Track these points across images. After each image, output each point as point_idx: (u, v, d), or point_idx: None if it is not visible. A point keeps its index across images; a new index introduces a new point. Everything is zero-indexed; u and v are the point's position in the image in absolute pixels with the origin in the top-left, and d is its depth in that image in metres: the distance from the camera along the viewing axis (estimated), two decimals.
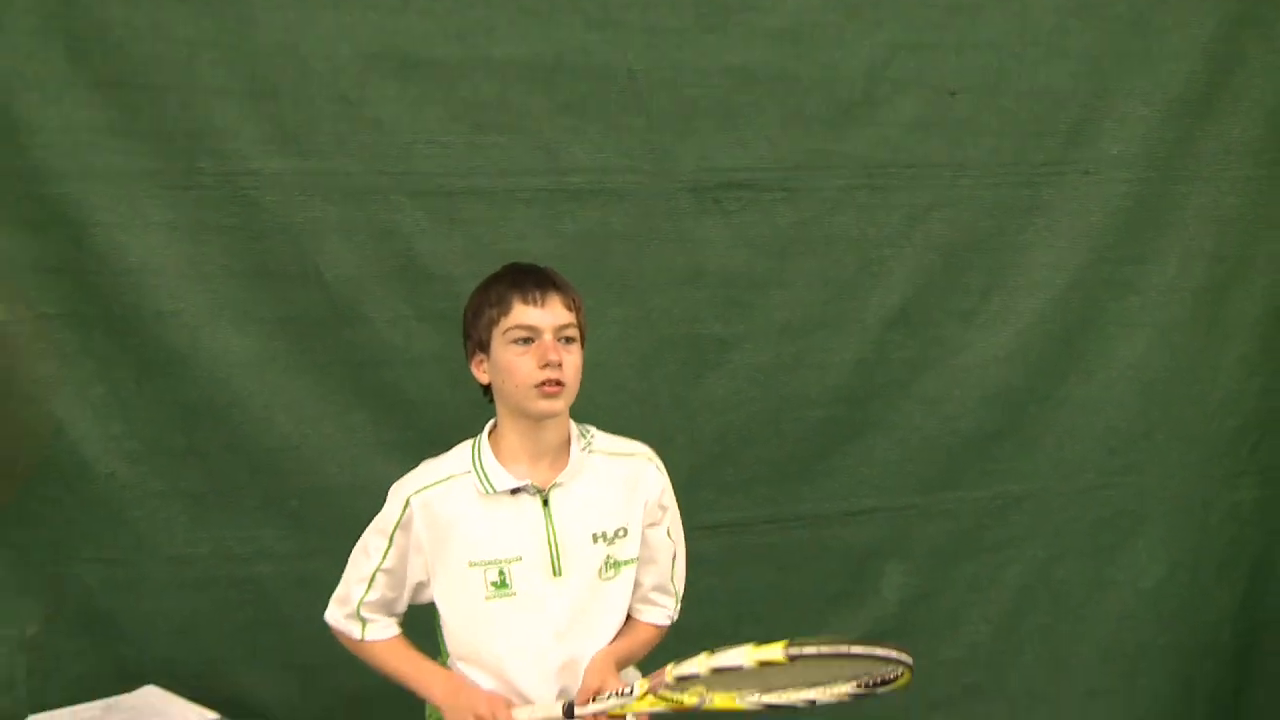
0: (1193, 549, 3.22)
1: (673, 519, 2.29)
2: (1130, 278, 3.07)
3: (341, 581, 2.24)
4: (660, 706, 2.03)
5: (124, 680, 2.63)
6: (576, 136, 2.67)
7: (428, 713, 2.29)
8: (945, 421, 3.03)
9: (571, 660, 2.17)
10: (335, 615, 2.24)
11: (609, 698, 2.06)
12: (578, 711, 2.05)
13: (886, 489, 3.04)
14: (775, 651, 1.90)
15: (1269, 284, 3.17)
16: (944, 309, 3.00)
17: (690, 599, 2.60)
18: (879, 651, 1.90)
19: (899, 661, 1.90)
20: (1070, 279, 3.03)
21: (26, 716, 2.48)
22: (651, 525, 2.25)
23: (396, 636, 2.24)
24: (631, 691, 2.04)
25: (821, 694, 1.95)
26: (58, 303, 2.58)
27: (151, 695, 2.58)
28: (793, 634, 2.87)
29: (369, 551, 2.19)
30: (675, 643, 2.82)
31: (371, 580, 2.19)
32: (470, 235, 2.65)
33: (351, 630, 2.22)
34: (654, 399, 2.81)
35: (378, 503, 2.60)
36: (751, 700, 1.99)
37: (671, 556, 2.28)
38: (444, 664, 2.24)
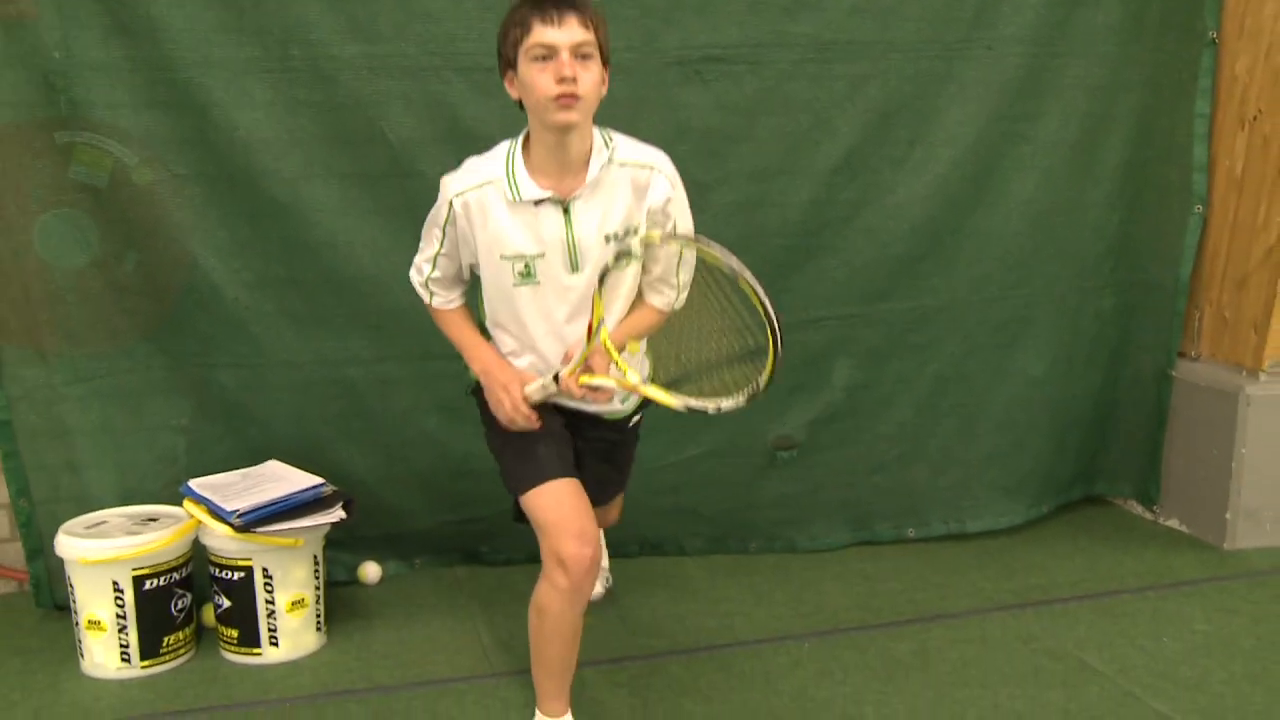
0: (1067, 344, 3.58)
1: (680, 224, 2.34)
2: (1023, 131, 3.38)
3: (418, 252, 2.41)
4: (603, 381, 2.20)
5: (253, 456, 3.07)
6: None
7: (470, 376, 2.47)
8: (881, 248, 3.31)
9: (582, 330, 2.26)
10: (414, 279, 2.45)
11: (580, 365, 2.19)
12: (560, 374, 2.23)
13: (834, 302, 3.33)
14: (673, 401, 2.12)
15: (1125, 137, 3.50)
16: (879, 158, 3.26)
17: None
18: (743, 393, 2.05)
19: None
20: (977, 133, 3.33)
21: (187, 481, 2.94)
22: (657, 227, 2.31)
23: (457, 309, 2.44)
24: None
25: (725, 404, 2.09)
26: (189, 165, 2.94)
27: (274, 466, 3.03)
28: (760, 420, 3.40)
29: (430, 240, 2.38)
30: (667, 426, 3.19)
31: (435, 261, 2.38)
32: (503, 102, 2.59)
33: (423, 295, 2.45)
34: None
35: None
36: (675, 401, 2.16)
37: (677, 256, 2.33)
38: (482, 322, 2.43)
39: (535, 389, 2.32)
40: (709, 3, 3.13)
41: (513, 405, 2.31)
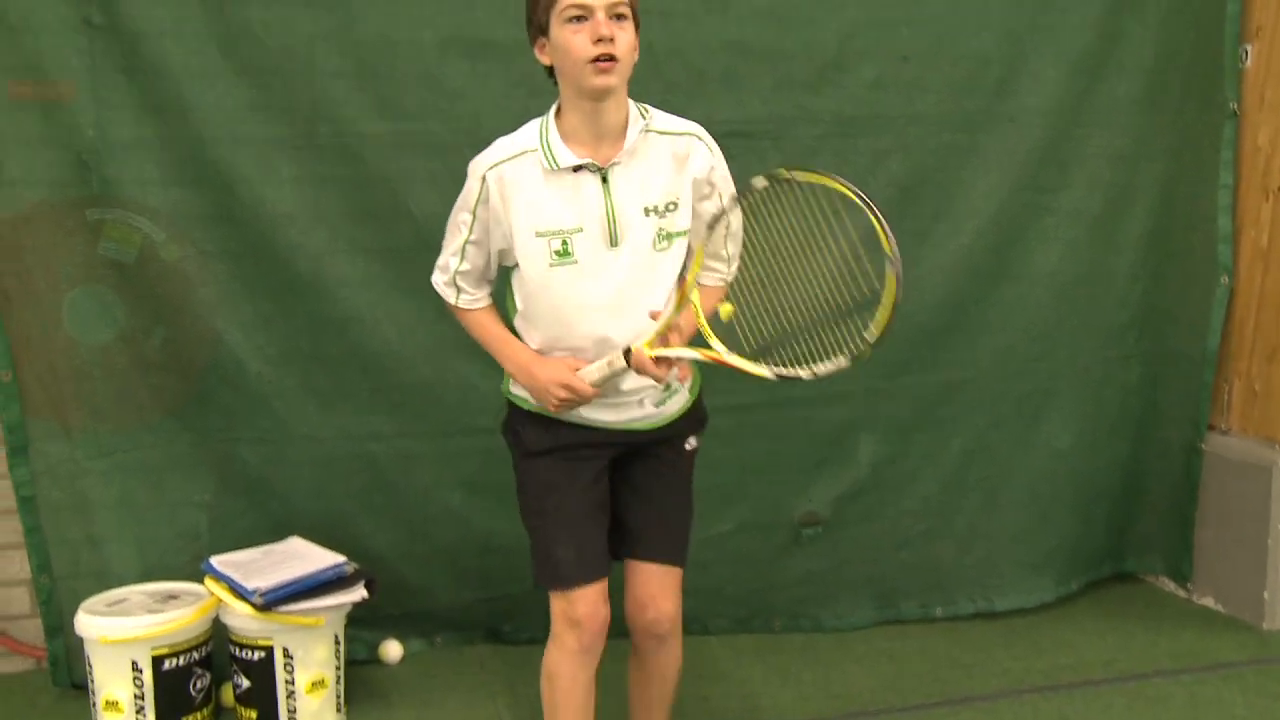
0: (1093, 417, 3.53)
1: (725, 193, 2.22)
2: (1046, 203, 3.36)
3: (441, 252, 2.27)
4: (685, 352, 2.06)
5: (275, 532, 3.03)
6: None
7: (505, 384, 2.32)
8: (905, 319, 2.92)
9: (624, 317, 2.14)
10: (437, 280, 2.29)
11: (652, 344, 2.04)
12: (633, 347, 2.07)
13: (858, 375, 2.88)
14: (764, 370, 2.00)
15: (1148, 207, 3.48)
16: (902, 231, 2.82)
17: (703, 465, 2.86)
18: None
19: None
20: (999, 205, 3.32)
21: (209, 557, 2.90)
22: (703, 199, 2.20)
23: (485, 309, 2.28)
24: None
25: (822, 368, 1.99)
26: (215, 242, 2.95)
27: (296, 543, 2.99)
28: (785, 495, 3.38)
29: (458, 227, 2.21)
30: (696, 504, 3.24)
31: (462, 252, 2.21)
32: None
33: (448, 295, 2.27)
34: None
35: (462, 394, 3.01)
36: (764, 370, 2.05)
37: (724, 229, 2.20)
38: (511, 315, 2.27)
39: (596, 370, 2.13)
40: (733, 78, 3.14)
41: (569, 392, 2.13)
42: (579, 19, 2.04)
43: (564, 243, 2.13)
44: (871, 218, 1.94)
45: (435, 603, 3.27)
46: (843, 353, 2.00)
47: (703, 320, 2.12)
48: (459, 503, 3.19)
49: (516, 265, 2.21)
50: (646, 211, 2.15)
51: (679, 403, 2.30)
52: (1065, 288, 3.45)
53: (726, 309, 2.13)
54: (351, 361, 3.08)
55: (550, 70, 2.15)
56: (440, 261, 2.30)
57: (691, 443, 2.36)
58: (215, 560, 2.90)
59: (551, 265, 2.15)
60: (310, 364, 3.06)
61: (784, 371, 2.05)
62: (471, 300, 2.29)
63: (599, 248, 2.14)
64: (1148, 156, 3.48)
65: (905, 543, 3.48)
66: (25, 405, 2.94)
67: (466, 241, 2.22)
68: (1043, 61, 3.33)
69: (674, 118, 2.22)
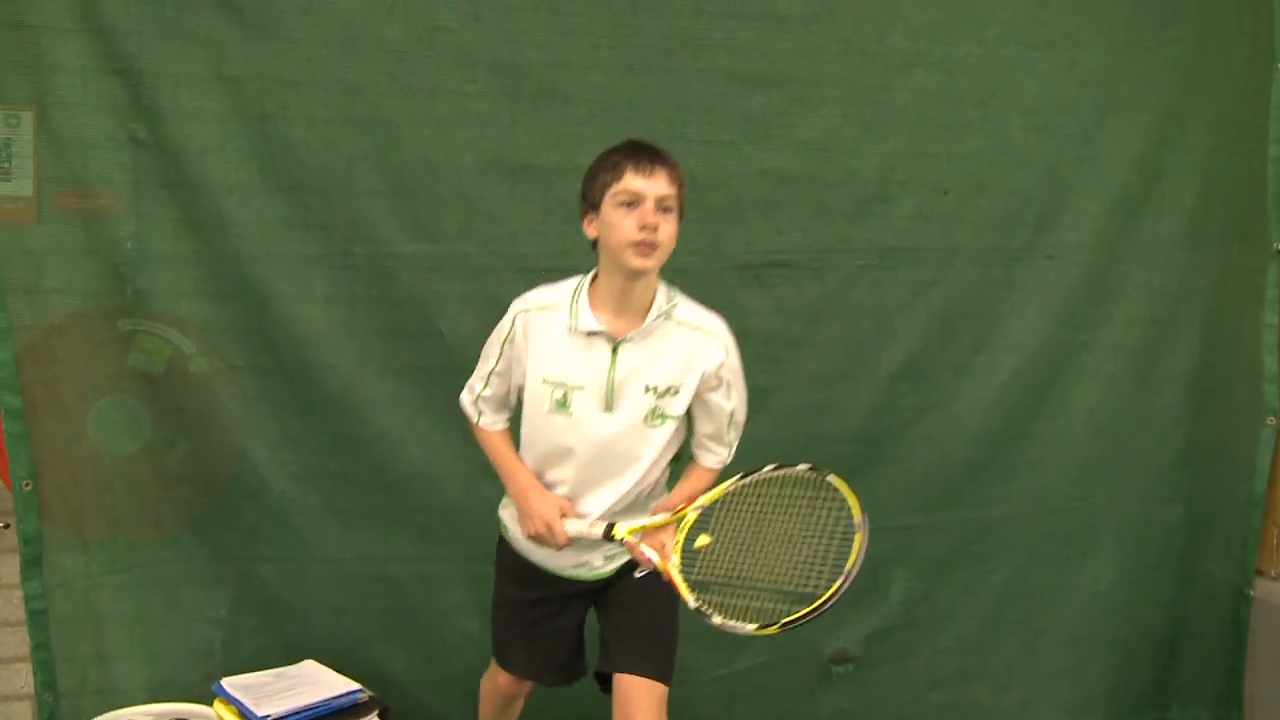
0: (1134, 557, 3.41)
1: (733, 387, 2.37)
2: (1085, 340, 3.30)
3: (474, 374, 2.45)
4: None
5: (290, 654, 2.89)
6: None
7: (502, 503, 2.53)
8: (942, 455, 3.21)
9: (598, 472, 2.34)
10: (465, 400, 2.48)
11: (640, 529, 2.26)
12: (616, 534, 2.28)
13: (895, 510, 3.17)
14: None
15: (1189, 344, 3.40)
16: (941, 364, 3.19)
17: None
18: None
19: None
20: (1039, 341, 3.25)
21: (221, 679, 2.75)
22: (710, 390, 2.35)
23: (500, 432, 2.45)
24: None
25: (726, 622, 2.17)
26: (244, 356, 2.89)
27: (310, 668, 2.84)
28: (815, 631, 3.18)
29: (488, 357, 2.41)
30: (719, 636, 3.14)
31: (488, 379, 2.41)
32: None
33: (470, 415, 2.46)
34: None
35: (487, 518, 2.82)
36: (690, 598, 2.22)
37: (728, 416, 2.38)
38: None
39: (575, 526, 2.34)
40: (773, 208, 3.10)
41: (546, 530, 2.34)
42: (630, 204, 2.22)
43: (564, 395, 2.32)
44: (855, 544, 2.17)
45: None
46: (752, 621, 2.17)
47: (682, 535, 2.29)
48: (479, 629, 3.00)
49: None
50: (646, 389, 2.32)
51: (625, 557, 2.45)
52: (1105, 425, 3.36)
53: (704, 539, 2.29)
54: (376, 482, 2.99)
55: (594, 243, 2.32)
56: (470, 382, 2.48)
57: (637, 573, 2.44)
58: (226, 682, 2.75)
59: (549, 411, 2.34)
60: (334, 483, 2.98)
61: (700, 608, 2.23)
62: (490, 422, 2.47)
63: (593, 408, 2.32)
64: (1189, 294, 3.39)
65: (940, 683, 3.36)
66: (43, 516, 2.83)
67: (493, 371, 2.42)
68: (1083, 197, 3.27)
69: (700, 311, 2.38)
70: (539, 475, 2.42)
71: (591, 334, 2.30)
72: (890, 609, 3.29)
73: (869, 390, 3.19)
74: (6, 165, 2.77)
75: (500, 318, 2.84)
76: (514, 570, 2.56)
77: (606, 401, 2.31)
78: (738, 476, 2.34)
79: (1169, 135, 3.31)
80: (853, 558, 2.14)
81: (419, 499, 3.02)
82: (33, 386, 2.83)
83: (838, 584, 2.12)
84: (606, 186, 2.25)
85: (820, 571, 2.16)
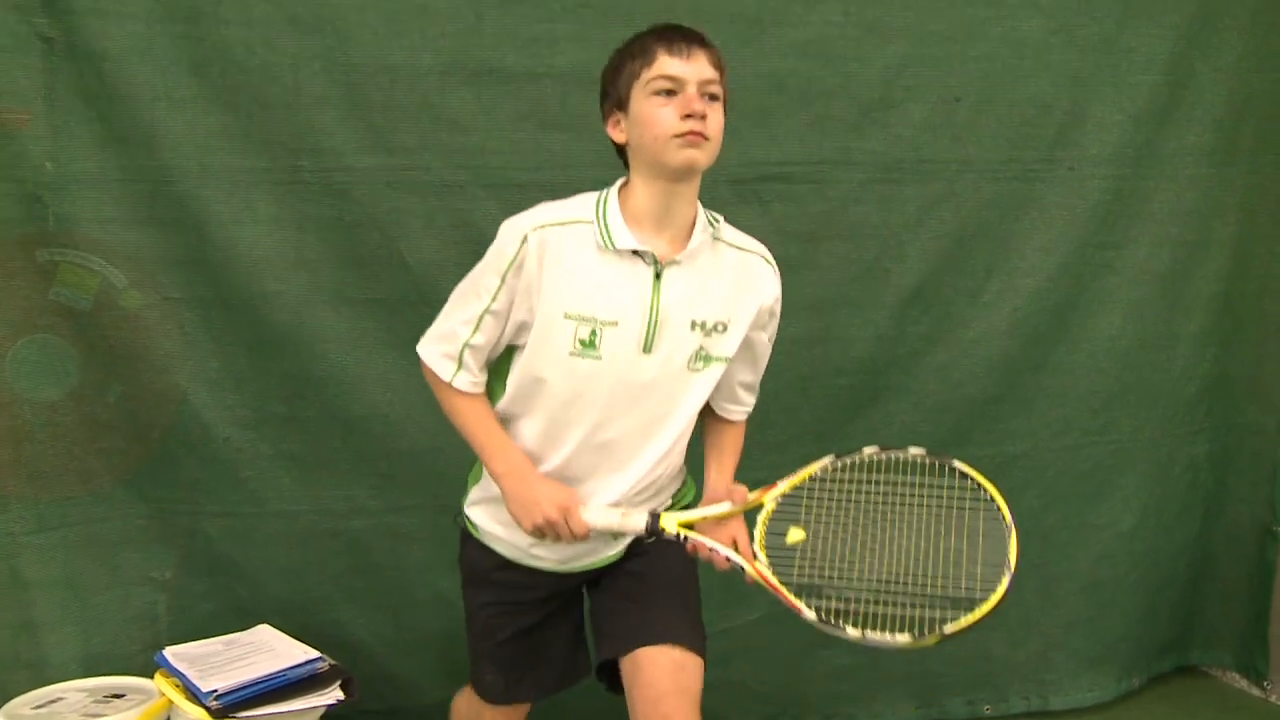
0: (1158, 496, 3.21)
1: (776, 323, 2.08)
2: (1108, 261, 3.07)
3: (442, 318, 2.00)
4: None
5: (242, 617, 2.66)
6: None
7: (470, 478, 2.14)
8: (954, 388, 3.00)
9: (630, 433, 1.94)
10: (431, 351, 2.00)
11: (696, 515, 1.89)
12: (666, 526, 1.86)
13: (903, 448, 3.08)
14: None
15: (1219, 267, 3.18)
16: (952, 289, 2.97)
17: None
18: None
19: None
20: (1059, 262, 3.01)
21: (164, 648, 2.50)
22: (760, 328, 2.03)
23: (480, 397, 1.99)
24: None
25: (876, 636, 1.81)
26: (181, 288, 2.61)
27: (264, 634, 2.61)
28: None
29: (479, 292, 1.93)
30: (719, 589, 2.94)
31: (479, 322, 1.94)
32: None
33: (444, 370, 1.97)
34: None
35: (456, 463, 2.51)
36: (809, 612, 1.85)
37: (767, 359, 2.10)
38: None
39: (602, 515, 1.89)
40: (768, 116, 2.82)
41: (561, 518, 1.88)
42: (669, 92, 1.85)
43: (593, 333, 1.89)
44: (1011, 539, 1.87)
45: (424, 699, 2.83)
46: (908, 633, 1.81)
47: (762, 533, 1.93)
48: (452, 587, 2.66)
49: (519, 349, 1.96)
50: (693, 325, 1.93)
51: (622, 547, 2.09)
52: (1128, 354, 3.12)
53: (798, 534, 1.92)
54: (333, 426, 2.71)
55: (620, 150, 1.95)
56: (441, 329, 2.00)
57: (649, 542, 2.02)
58: (169, 652, 2.48)
59: (570, 354, 1.90)
60: (285, 428, 2.70)
61: (824, 619, 1.84)
62: (472, 383, 1.99)
63: (630, 349, 1.91)
64: (1219, 213, 3.15)
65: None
66: None
67: (487, 310, 1.93)
68: (1105, 106, 3.01)
69: (742, 234, 2.03)
70: (534, 453, 1.96)
71: (630, 254, 1.89)
72: None
73: (875, 317, 2.95)
74: None
75: (468, 242, 2.64)
76: (493, 576, 2.12)
77: (646, 341, 1.90)
78: (828, 459, 1.99)
79: (1198, 38, 3.04)
80: (1012, 552, 1.85)
81: (381, 445, 2.74)
82: None
83: (1005, 581, 1.83)
84: (635, 75, 1.87)
85: (970, 572, 1.85)
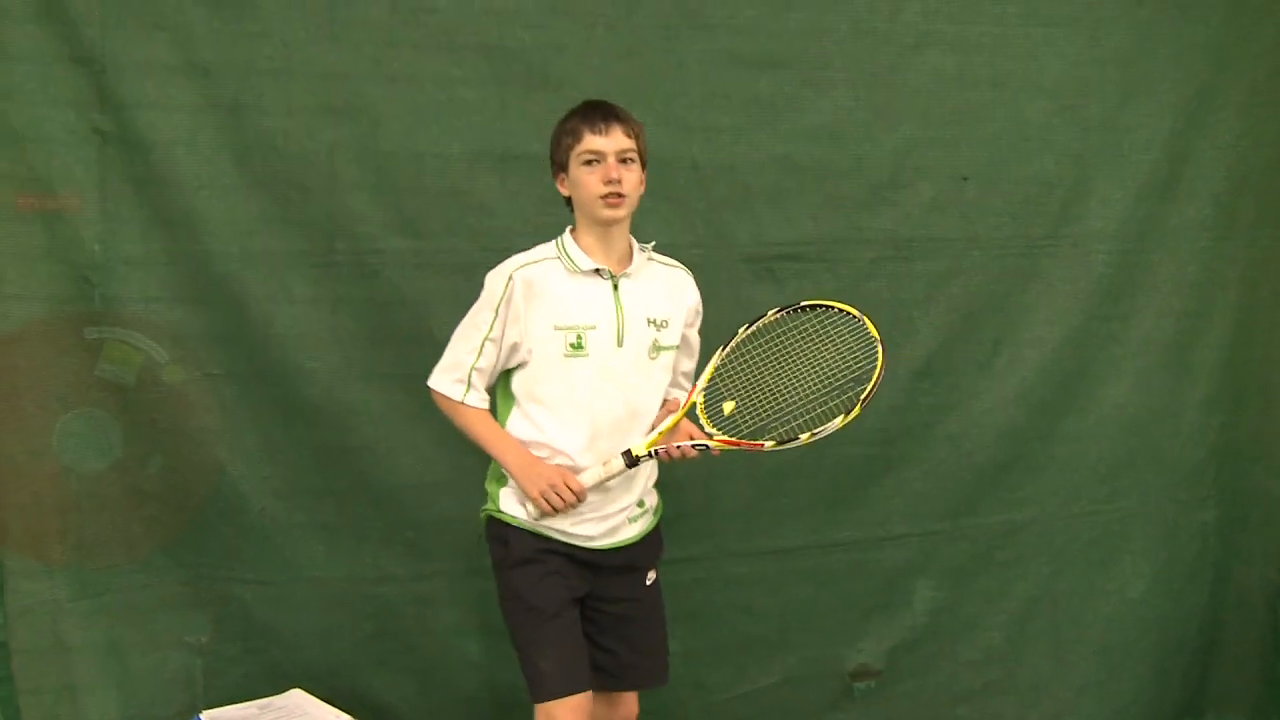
0: (1167, 562, 3.25)
1: (700, 321, 2.54)
2: (1114, 332, 3.13)
3: (447, 355, 2.41)
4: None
5: (275, 681, 2.71)
6: (650, 217, 2.68)
7: (493, 503, 2.43)
8: (964, 457, 3.06)
9: (623, 410, 2.38)
10: (443, 380, 2.41)
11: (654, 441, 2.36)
12: (636, 452, 2.34)
13: (915, 516, 3.06)
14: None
15: (1222, 336, 3.22)
16: (962, 361, 3.04)
17: (745, 614, 2.94)
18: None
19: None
20: (1064, 334, 3.08)
21: (200, 711, 2.58)
22: (689, 326, 2.50)
23: (486, 411, 2.41)
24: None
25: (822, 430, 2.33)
26: (221, 364, 2.69)
27: (297, 698, 2.66)
28: (834, 645, 3.08)
29: (478, 326, 2.38)
30: (736, 654, 2.99)
31: (481, 348, 2.37)
32: None
33: (455, 391, 2.39)
34: None
35: (479, 531, 2.73)
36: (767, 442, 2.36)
37: (699, 351, 2.54)
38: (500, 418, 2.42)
39: (591, 474, 2.35)
40: (782, 195, 2.91)
41: (562, 480, 2.33)
42: (593, 162, 2.34)
43: (579, 336, 2.37)
44: (867, 324, 2.44)
45: None
46: (839, 416, 2.35)
47: (704, 418, 2.43)
48: (478, 652, 2.86)
49: (520, 365, 2.40)
50: (648, 322, 2.43)
51: (647, 521, 2.51)
52: (1135, 422, 3.18)
53: (729, 405, 2.45)
54: (364, 496, 2.79)
55: (568, 200, 2.43)
56: (448, 363, 2.43)
57: (651, 576, 2.54)
58: (206, 716, 2.57)
59: (565, 356, 2.37)
60: (319, 498, 2.78)
61: (781, 442, 2.36)
62: (480, 399, 2.42)
63: (608, 345, 2.39)
64: (1220, 283, 3.21)
65: (965, 697, 3.18)
66: (3, 539, 2.60)
67: (486, 338, 2.38)
68: (1108, 183, 3.11)
69: (667, 256, 2.53)
70: (549, 441, 2.38)
71: (593, 273, 2.38)
72: (914, 620, 3.11)
73: (887, 389, 2.76)
74: None
75: None
76: (540, 555, 2.39)
77: (618, 337, 2.39)
78: (718, 350, 2.50)
79: (1196, 117, 3.13)
80: (874, 330, 2.41)
81: (410, 514, 2.82)
82: None
83: (881, 351, 2.39)
84: (570, 149, 2.37)
85: (855, 358, 2.41)
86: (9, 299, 2.60)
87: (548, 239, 2.67)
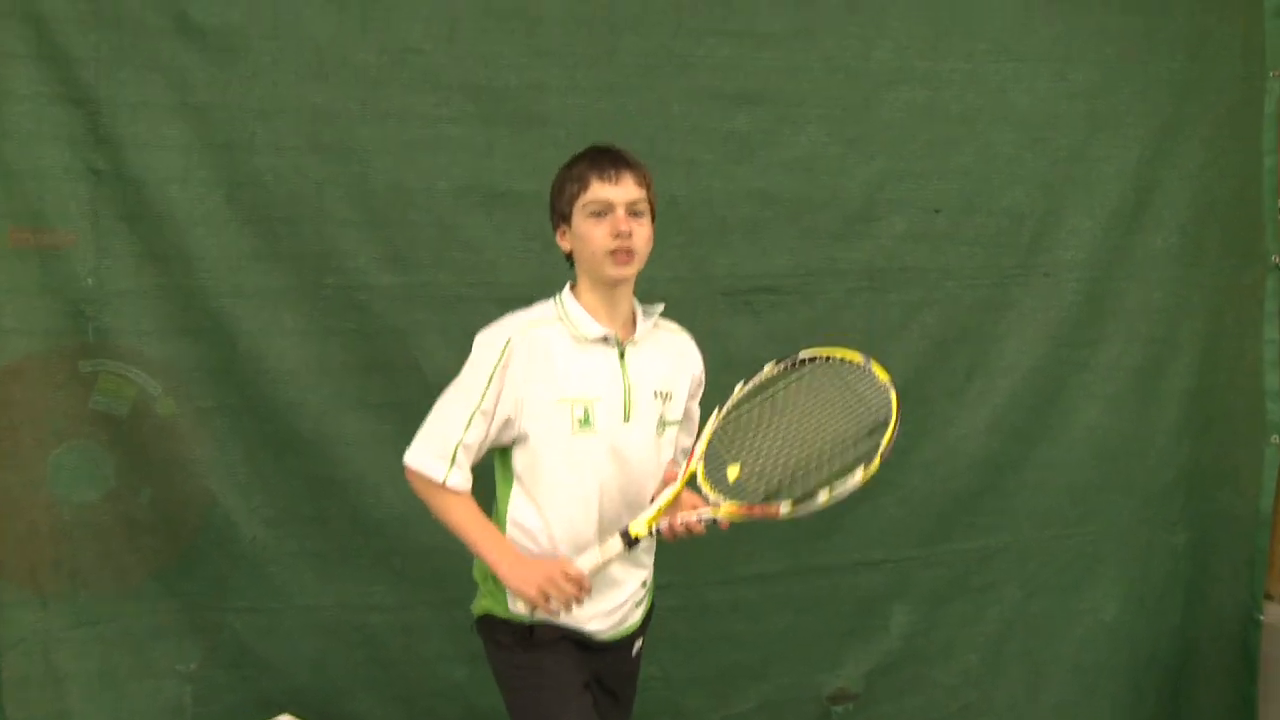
0: (1139, 583, 3.30)
1: (702, 392, 2.31)
2: (1084, 359, 3.19)
3: (430, 426, 2.13)
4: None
5: (265, 709, 2.72)
6: None
7: (493, 603, 2.20)
8: (939, 483, 3.10)
9: (630, 495, 2.13)
10: (423, 457, 2.12)
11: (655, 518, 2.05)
12: (635, 532, 2.03)
13: (891, 542, 3.09)
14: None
15: (1189, 363, 3.29)
16: (935, 389, 3.08)
17: (723, 639, 2.95)
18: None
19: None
20: (1036, 361, 3.14)
21: None
22: (691, 398, 2.27)
23: (469, 496, 2.12)
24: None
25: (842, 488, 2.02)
26: (213, 397, 2.72)
27: None
28: (813, 670, 3.11)
29: (470, 394, 2.09)
30: (715, 679, 3.02)
31: (470, 421, 2.08)
32: None
33: (436, 471, 2.09)
34: None
35: (471, 561, 2.77)
36: (782, 507, 2.03)
37: (697, 426, 2.27)
38: (503, 501, 2.17)
39: (589, 560, 2.05)
40: (759, 229, 2.97)
41: (570, 582, 2.02)
42: (600, 214, 2.09)
43: (586, 411, 2.11)
44: (874, 367, 2.15)
45: None
46: (860, 470, 2.04)
47: (707, 487, 2.11)
48: (464, 679, 2.88)
49: (517, 442, 2.13)
50: (655, 395, 2.18)
51: (649, 599, 2.32)
52: (1106, 447, 3.25)
53: (734, 470, 2.12)
54: (353, 526, 2.82)
55: (569, 255, 2.19)
56: (431, 434, 2.14)
57: (638, 645, 2.33)
58: None
59: (572, 433, 2.10)
60: (309, 528, 2.81)
61: (798, 506, 2.03)
62: (463, 481, 2.13)
63: (615, 420, 2.13)
64: (1188, 311, 3.29)
65: None
66: None
67: (477, 409, 2.09)
68: (1077, 214, 3.17)
69: (669, 320, 2.30)
70: (553, 528, 2.12)
71: (600, 340, 2.13)
72: (891, 644, 3.16)
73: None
74: None
75: None
76: (556, 645, 2.17)
77: (625, 411, 2.13)
78: (715, 411, 2.21)
79: (1163, 149, 3.21)
80: (883, 375, 2.13)
81: (398, 543, 2.84)
82: None
83: (894, 399, 2.09)
84: (574, 198, 2.12)
85: (866, 406, 2.12)
86: (5, 333, 2.65)
87: (533, 274, 2.77)
